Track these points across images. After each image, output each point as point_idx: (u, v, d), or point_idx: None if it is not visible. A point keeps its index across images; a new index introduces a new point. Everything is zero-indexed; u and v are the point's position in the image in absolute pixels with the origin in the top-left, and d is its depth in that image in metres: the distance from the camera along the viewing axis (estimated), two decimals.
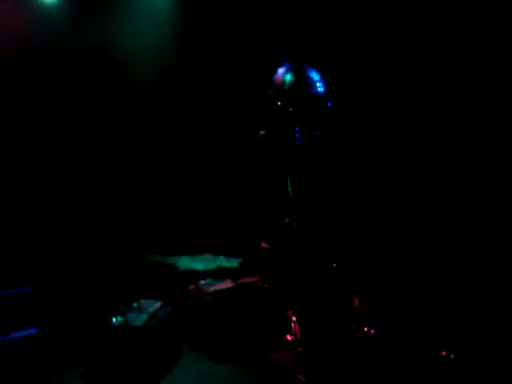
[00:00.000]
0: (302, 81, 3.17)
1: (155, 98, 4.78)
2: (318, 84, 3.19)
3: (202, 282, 3.97)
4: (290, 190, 3.26)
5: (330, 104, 3.22)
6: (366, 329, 3.07)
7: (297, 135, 3.21)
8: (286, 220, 3.33)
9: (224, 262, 4.68)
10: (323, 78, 3.22)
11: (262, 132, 3.31)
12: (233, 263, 4.63)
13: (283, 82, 3.19)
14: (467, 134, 3.65)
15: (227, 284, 3.93)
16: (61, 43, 4.36)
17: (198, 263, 4.63)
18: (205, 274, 4.35)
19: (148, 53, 4.60)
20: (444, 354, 2.89)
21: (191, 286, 4.00)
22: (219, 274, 4.44)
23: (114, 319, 3.47)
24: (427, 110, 3.88)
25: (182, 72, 4.79)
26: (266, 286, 3.94)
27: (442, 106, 3.79)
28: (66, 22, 4.35)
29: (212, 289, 3.85)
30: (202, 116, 4.85)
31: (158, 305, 3.71)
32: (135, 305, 3.67)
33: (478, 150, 3.62)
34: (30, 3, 4.22)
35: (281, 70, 3.23)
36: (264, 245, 3.67)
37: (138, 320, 3.50)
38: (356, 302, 3.20)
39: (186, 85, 4.83)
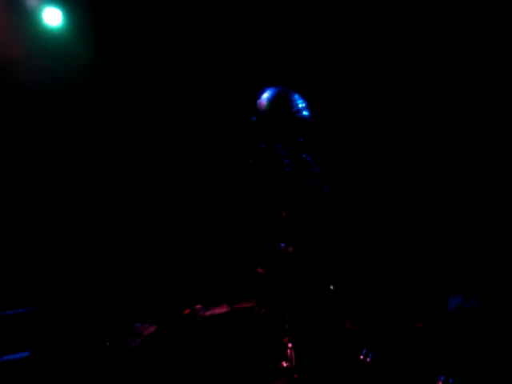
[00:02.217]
0: (285, 105, 3.20)
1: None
2: (301, 107, 3.22)
3: (198, 306, 3.94)
4: (283, 214, 3.26)
5: (314, 124, 3.24)
6: (361, 356, 3.04)
7: (285, 160, 3.23)
8: (282, 245, 3.32)
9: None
10: (306, 101, 3.25)
11: (251, 161, 3.32)
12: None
13: (266, 106, 3.22)
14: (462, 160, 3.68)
15: (223, 309, 3.90)
16: None
17: None
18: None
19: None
20: (441, 383, 2.87)
21: (187, 311, 3.97)
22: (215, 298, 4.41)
23: (107, 343, 3.44)
24: (414, 127, 3.92)
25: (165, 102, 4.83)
26: (263, 311, 3.91)
27: (432, 124, 3.83)
28: None
29: (208, 313, 3.82)
30: (189, 146, 4.88)
31: (152, 329, 3.68)
32: (129, 328, 3.64)
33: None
34: None
35: (263, 95, 3.27)
36: (260, 270, 3.65)
37: (132, 344, 3.47)
38: (347, 323, 3.17)
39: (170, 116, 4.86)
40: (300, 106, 3.21)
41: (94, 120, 4.64)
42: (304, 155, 3.24)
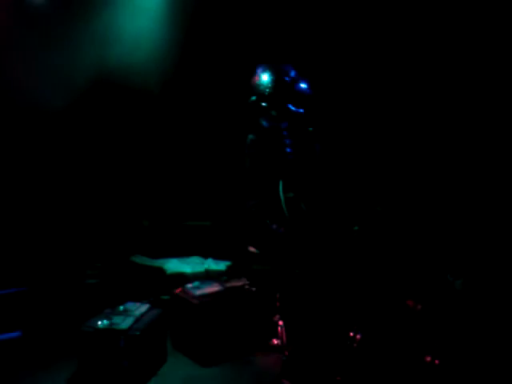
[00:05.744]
0: (280, 78, 3.19)
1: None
2: (297, 79, 3.21)
3: (189, 285, 3.95)
4: (281, 195, 3.25)
5: (313, 96, 3.23)
6: (351, 334, 3.07)
7: (287, 141, 3.22)
8: (274, 226, 3.33)
9: (212, 265, 4.66)
10: (302, 75, 3.24)
11: (251, 137, 3.31)
12: (221, 266, 4.61)
13: (262, 83, 3.21)
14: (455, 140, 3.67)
15: (214, 287, 3.91)
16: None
17: (186, 266, 4.61)
18: (193, 278, 4.33)
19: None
20: (429, 359, 2.90)
21: (178, 289, 3.98)
22: (207, 277, 4.42)
23: (99, 322, 3.45)
24: (417, 107, 3.89)
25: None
26: (254, 289, 3.93)
27: (441, 102, 3.79)
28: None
29: (199, 292, 3.83)
30: (190, 123, 4.87)
31: (144, 308, 3.69)
32: (121, 308, 3.65)
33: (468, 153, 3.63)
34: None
35: (258, 72, 3.25)
36: (252, 249, 3.66)
37: (124, 323, 3.47)
38: None
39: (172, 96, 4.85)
40: (296, 78, 3.20)
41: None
42: (306, 128, 3.23)
